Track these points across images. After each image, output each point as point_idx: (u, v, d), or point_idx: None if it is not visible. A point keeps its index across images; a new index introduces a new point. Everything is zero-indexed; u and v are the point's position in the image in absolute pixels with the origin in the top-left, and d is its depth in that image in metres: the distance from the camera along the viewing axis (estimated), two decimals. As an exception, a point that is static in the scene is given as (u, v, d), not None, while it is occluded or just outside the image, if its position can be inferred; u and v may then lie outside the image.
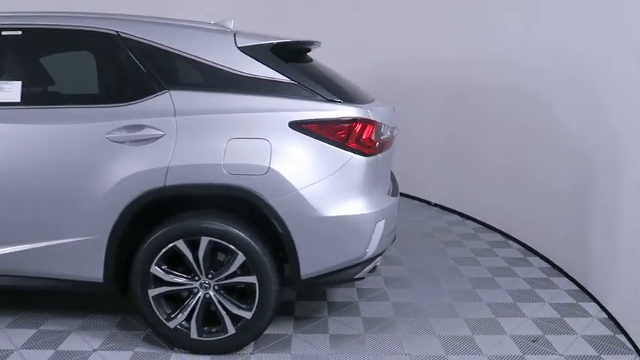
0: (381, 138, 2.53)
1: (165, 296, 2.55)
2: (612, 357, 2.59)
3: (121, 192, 2.36)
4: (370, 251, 2.50)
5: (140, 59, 2.44)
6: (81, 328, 2.81)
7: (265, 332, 2.75)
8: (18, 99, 2.46)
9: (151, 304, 2.50)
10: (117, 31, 2.46)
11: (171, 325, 2.52)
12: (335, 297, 3.22)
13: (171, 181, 2.33)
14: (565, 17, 3.59)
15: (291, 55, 2.65)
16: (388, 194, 2.74)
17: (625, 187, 2.89)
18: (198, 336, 2.53)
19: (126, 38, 2.45)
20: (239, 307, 2.49)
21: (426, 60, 5.16)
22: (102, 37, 2.46)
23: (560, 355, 2.60)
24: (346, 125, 2.40)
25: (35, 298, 3.10)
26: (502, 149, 4.40)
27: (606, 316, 2.99)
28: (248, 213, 2.45)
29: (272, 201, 2.33)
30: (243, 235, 2.39)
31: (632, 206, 2.81)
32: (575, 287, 3.41)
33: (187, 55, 2.44)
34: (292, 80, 2.44)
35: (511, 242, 4.29)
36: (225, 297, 2.50)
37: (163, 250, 2.43)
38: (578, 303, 3.18)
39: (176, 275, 2.48)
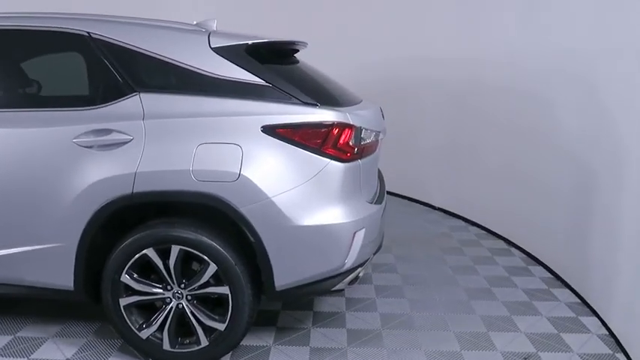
0: (362, 143, 2.41)
1: (138, 306, 2.47)
2: (609, 378, 2.43)
3: (88, 198, 2.28)
4: (349, 262, 2.38)
5: (111, 61, 2.35)
6: (57, 336, 2.75)
7: (244, 343, 2.66)
8: None
9: (122, 313, 2.42)
10: (88, 32, 2.38)
11: (143, 335, 2.44)
12: (322, 307, 3.11)
13: (139, 188, 2.24)
14: (567, 16, 3.41)
15: (270, 56, 2.55)
16: (372, 201, 2.61)
17: (628, 194, 2.71)
18: (171, 347, 2.44)
19: (97, 39, 2.37)
20: (212, 319, 2.40)
21: (427, 60, 5.00)
22: (72, 38, 2.38)
23: (552, 374, 2.45)
24: (322, 130, 2.28)
25: (21, 303, 3.06)
26: (505, 151, 4.22)
27: (607, 333, 2.82)
28: (221, 221, 2.35)
29: (243, 209, 2.23)
30: (214, 243, 2.29)
31: (637, 217, 2.63)
32: (577, 300, 3.23)
33: (159, 57, 2.35)
34: (267, 82, 2.33)
35: (514, 250, 4.11)
36: (197, 307, 2.40)
37: (133, 259, 2.35)
38: (578, 317, 3.01)
39: (147, 284, 2.40)
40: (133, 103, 2.31)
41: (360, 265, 2.49)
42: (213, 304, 2.46)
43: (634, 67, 2.68)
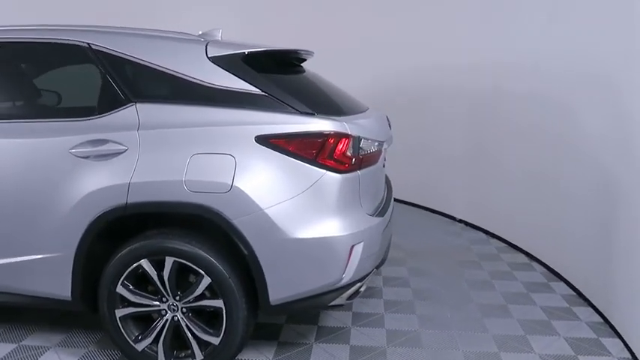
0: (361, 153, 2.33)
1: (134, 317, 2.44)
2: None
3: (85, 208, 2.28)
4: (347, 276, 2.29)
5: (109, 72, 2.35)
6: (60, 345, 2.75)
7: (243, 357, 2.60)
8: None
9: (118, 324, 2.40)
10: (88, 43, 2.39)
11: (139, 347, 2.41)
12: (327, 321, 3.01)
13: (133, 198, 2.23)
14: (591, 20, 3.24)
15: (270, 66, 2.50)
16: (374, 213, 2.51)
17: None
18: (166, 360, 2.41)
19: (97, 50, 2.38)
20: (206, 332, 2.35)
21: (449, 67, 4.88)
22: (73, 50, 2.40)
23: (565, 401, 2.29)
24: (318, 140, 2.21)
25: (31, 311, 3.08)
26: (530, 159, 4.02)
27: (629, 357, 2.62)
28: (215, 233, 2.31)
29: (235, 221, 2.18)
30: (207, 256, 2.25)
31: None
32: (599, 319, 3.03)
33: (156, 67, 2.33)
34: (262, 91, 2.28)
35: (535, 264, 3.92)
36: (192, 321, 2.36)
37: (128, 270, 2.32)
38: (599, 338, 2.81)
39: (142, 296, 2.37)
40: (129, 113, 2.30)
41: (360, 280, 2.40)
42: (210, 318, 2.41)
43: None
